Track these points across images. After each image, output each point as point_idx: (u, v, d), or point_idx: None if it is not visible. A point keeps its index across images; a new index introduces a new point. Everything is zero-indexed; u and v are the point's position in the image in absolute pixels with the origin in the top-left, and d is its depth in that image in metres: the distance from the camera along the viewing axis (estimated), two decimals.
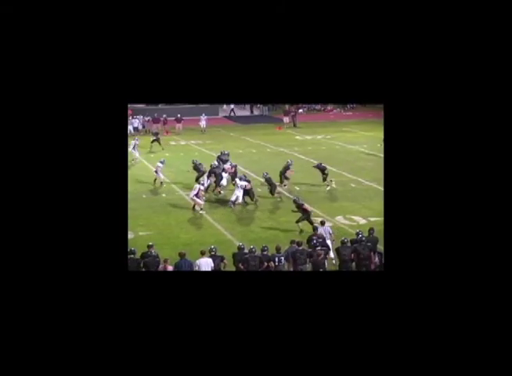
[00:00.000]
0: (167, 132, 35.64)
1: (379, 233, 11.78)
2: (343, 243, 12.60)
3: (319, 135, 33.08)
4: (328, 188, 20.67)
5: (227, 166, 21.27)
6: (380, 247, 11.66)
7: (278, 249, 12.31)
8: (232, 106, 42.68)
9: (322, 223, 14.26)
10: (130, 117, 36.20)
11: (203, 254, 11.92)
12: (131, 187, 21.08)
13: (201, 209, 18.21)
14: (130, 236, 15.88)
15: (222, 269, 11.91)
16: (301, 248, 12.31)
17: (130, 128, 35.08)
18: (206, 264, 11.65)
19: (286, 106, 38.34)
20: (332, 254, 13.01)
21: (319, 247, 12.44)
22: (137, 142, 26.67)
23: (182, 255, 11.77)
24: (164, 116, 36.18)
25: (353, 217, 17.47)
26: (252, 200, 19.03)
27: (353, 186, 21.45)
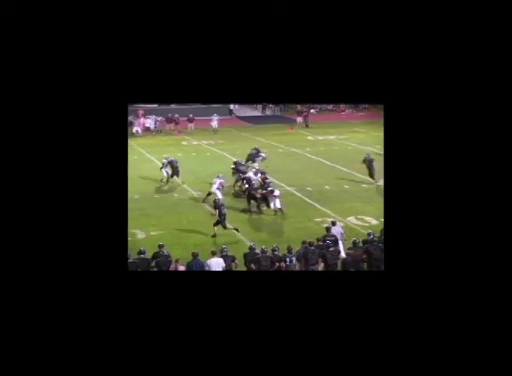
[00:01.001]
0: (179, 132, 35.71)
1: None
2: (354, 243, 12.57)
3: (331, 136, 32.98)
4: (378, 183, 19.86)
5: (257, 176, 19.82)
6: None
7: (289, 249, 12.29)
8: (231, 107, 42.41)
9: (334, 223, 14.23)
10: (142, 118, 36.33)
11: (214, 254, 11.92)
12: (143, 187, 21.25)
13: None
14: (141, 235, 16.00)
15: (234, 269, 11.90)
16: (312, 248, 12.28)
17: (137, 129, 35.16)
18: (217, 264, 11.65)
19: (299, 107, 38.26)
20: (343, 255, 12.97)
21: (332, 248, 12.40)
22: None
23: (194, 255, 11.78)
24: (177, 116, 36.25)
25: (365, 217, 17.40)
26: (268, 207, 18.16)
27: (365, 186, 21.37)
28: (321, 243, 12.77)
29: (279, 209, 17.89)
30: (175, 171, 21.98)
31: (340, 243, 13.44)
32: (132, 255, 11.85)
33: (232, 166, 21.28)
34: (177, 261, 11.89)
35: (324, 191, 20.76)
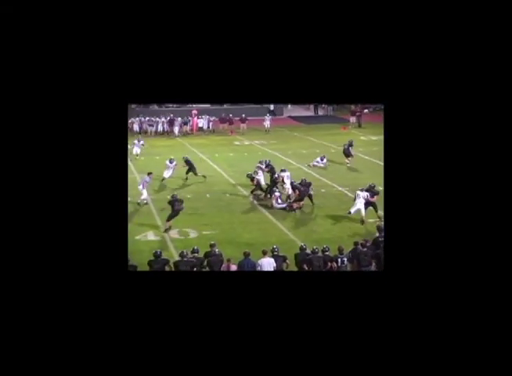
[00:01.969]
0: (231, 132, 35.93)
1: None
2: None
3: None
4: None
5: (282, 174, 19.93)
6: None
7: (341, 250, 12.19)
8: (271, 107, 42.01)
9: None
10: (195, 118, 36.72)
11: (264, 253, 11.92)
12: (195, 187, 21.45)
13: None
14: (193, 234, 16.14)
15: (285, 269, 11.87)
16: (365, 250, 12.14)
17: (176, 129, 35.42)
18: (268, 264, 11.65)
19: (352, 106, 37.92)
20: None
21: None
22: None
23: (246, 255, 11.81)
24: (231, 115, 36.48)
25: None
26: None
27: None
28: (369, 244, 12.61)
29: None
30: (192, 168, 22.42)
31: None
32: (188, 255, 11.92)
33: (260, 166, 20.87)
34: (229, 260, 11.92)
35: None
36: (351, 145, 25.69)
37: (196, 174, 22.45)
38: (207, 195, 20.61)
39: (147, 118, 36.58)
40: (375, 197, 16.93)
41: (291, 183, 19.07)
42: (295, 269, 12.00)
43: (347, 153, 25.33)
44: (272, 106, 41.63)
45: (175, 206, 16.46)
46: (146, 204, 19.13)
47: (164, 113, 36.91)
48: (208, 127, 37.18)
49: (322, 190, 20.47)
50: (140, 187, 19.21)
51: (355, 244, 12.43)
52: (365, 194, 16.93)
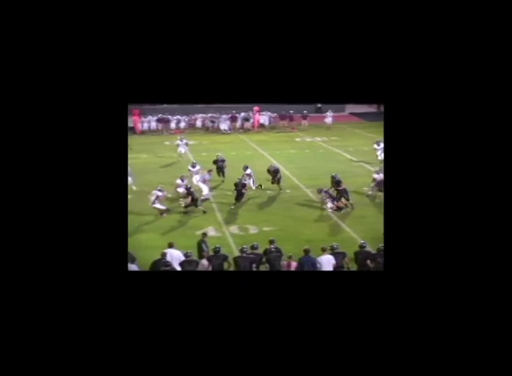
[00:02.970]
0: (292, 129, 35.96)
1: None
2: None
3: None
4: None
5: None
6: None
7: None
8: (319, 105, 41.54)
9: None
10: (257, 114, 36.94)
11: (324, 250, 11.91)
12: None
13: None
14: (254, 231, 16.29)
15: (345, 266, 11.84)
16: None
17: (225, 125, 35.46)
18: (327, 261, 11.64)
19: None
20: None
21: None
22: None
23: (306, 252, 11.82)
24: (291, 112, 36.52)
25: None
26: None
27: None
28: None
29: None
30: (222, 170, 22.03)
31: None
32: (248, 250, 12.00)
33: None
34: (290, 257, 11.95)
35: None
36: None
37: (223, 174, 21.93)
38: (268, 192, 20.71)
39: (209, 115, 37.03)
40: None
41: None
42: (355, 266, 11.96)
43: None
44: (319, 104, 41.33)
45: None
46: (207, 199, 19.37)
47: (226, 109, 37.29)
48: (269, 123, 37.31)
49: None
50: (201, 184, 19.41)
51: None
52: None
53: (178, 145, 26.69)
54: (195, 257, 12.09)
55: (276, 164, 21.48)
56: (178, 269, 11.67)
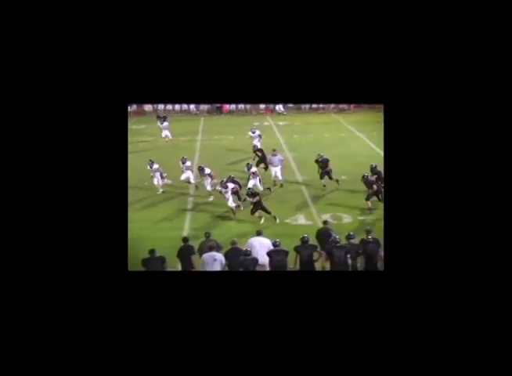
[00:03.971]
0: None
1: None
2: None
3: None
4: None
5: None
6: None
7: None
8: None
9: None
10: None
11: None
12: (351, 168, 20.11)
13: None
14: (348, 219, 15.35)
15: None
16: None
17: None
18: None
19: None
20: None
21: None
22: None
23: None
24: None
25: None
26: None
27: None
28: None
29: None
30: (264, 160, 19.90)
31: None
32: (341, 241, 11.48)
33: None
34: None
35: None
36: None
37: (266, 168, 19.63)
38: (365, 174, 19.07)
39: None
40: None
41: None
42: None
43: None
44: None
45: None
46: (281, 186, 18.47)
47: None
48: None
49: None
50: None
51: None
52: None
53: (251, 137, 23.30)
54: (283, 247, 11.53)
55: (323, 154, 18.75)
56: (265, 258, 11.32)
